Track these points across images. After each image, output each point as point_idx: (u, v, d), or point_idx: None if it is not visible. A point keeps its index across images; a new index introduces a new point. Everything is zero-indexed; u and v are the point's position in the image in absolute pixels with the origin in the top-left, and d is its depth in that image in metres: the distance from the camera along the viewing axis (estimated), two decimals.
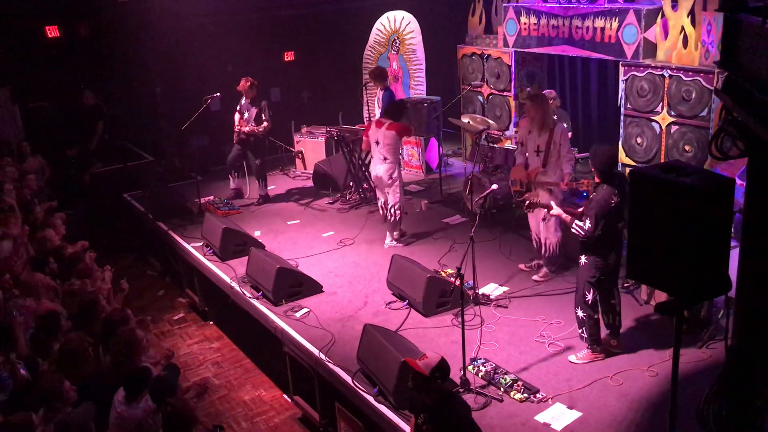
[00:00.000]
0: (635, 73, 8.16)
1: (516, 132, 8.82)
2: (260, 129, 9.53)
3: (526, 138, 7.31)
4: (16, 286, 5.98)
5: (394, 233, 8.32)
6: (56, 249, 7.01)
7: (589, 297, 5.62)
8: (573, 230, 5.51)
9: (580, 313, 5.68)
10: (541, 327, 6.26)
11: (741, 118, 2.73)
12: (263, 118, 9.54)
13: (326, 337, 6.27)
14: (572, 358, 5.75)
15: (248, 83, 9.47)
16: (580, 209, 5.66)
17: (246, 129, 9.53)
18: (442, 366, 4.17)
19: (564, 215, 5.73)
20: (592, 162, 5.61)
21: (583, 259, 5.62)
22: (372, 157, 8.30)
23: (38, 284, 6.01)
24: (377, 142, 7.95)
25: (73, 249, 7.18)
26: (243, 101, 9.64)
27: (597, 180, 5.58)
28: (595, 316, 5.70)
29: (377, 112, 9.72)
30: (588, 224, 5.38)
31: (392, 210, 8.12)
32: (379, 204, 8.33)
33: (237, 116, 9.68)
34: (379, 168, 8.02)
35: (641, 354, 5.78)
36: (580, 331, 5.75)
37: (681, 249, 3.14)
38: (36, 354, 5.21)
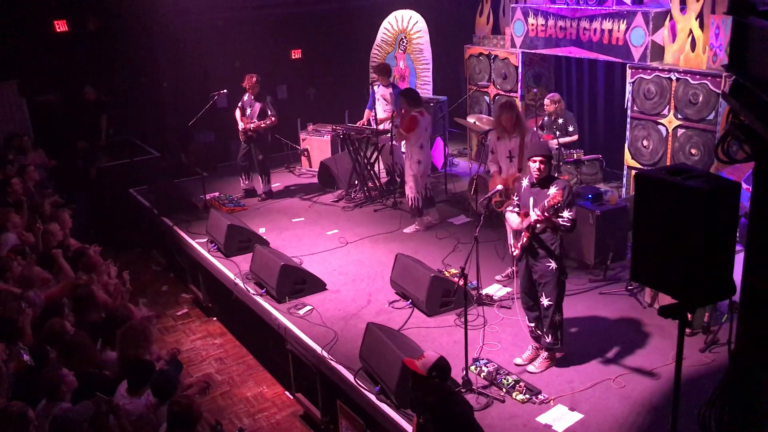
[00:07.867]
0: (642, 75, 8.15)
1: None
2: (266, 124, 9.52)
3: (496, 145, 7.30)
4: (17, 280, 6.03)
5: (415, 222, 8.66)
6: (61, 243, 7.04)
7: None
8: (562, 225, 5.24)
9: (558, 317, 5.54)
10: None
11: (748, 122, 2.72)
12: (269, 113, 9.54)
13: (329, 335, 6.27)
14: (531, 368, 5.63)
15: (254, 79, 9.48)
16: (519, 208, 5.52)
17: (252, 125, 9.52)
18: (440, 365, 4.08)
19: (540, 216, 5.28)
20: (548, 156, 5.36)
21: (552, 264, 5.38)
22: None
23: (36, 278, 6.05)
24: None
25: (78, 244, 7.22)
26: (246, 98, 9.64)
27: (536, 178, 5.38)
28: (563, 317, 5.66)
29: (379, 109, 9.71)
30: (569, 214, 5.25)
31: (410, 201, 8.52)
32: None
33: (238, 113, 9.68)
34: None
35: (644, 356, 5.77)
36: (549, 338, 5.57)
37: (686, 252, 3.13)
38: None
